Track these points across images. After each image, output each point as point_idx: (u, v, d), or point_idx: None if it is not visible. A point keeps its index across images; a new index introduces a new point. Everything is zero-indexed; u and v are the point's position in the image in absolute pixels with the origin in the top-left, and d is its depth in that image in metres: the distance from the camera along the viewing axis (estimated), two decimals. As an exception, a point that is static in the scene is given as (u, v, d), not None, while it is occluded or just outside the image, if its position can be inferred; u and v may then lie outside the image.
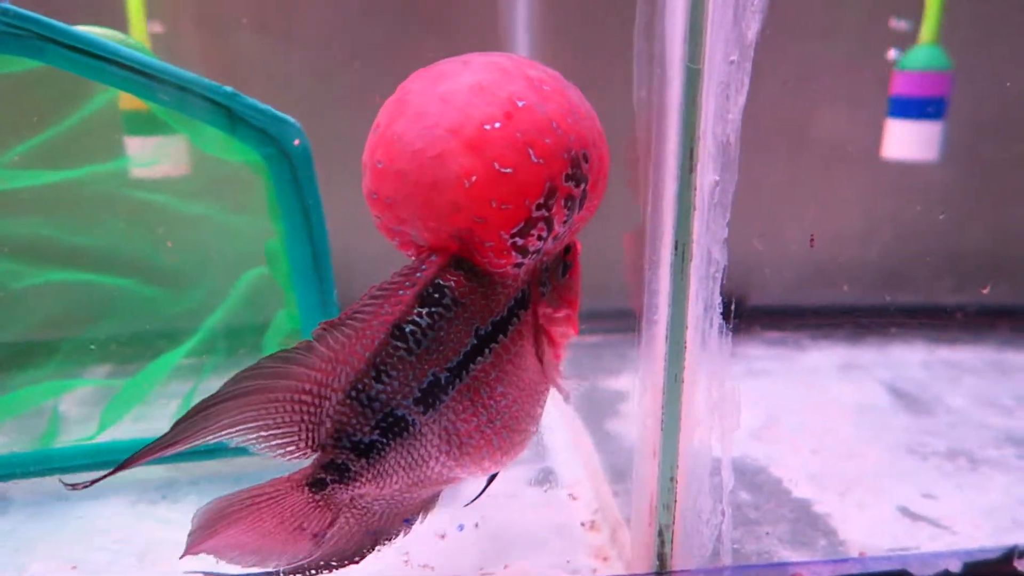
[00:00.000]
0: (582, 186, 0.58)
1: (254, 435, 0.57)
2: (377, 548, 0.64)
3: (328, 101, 1.20)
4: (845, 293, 1.34)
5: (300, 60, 1.24)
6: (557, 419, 1.09)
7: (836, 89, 1.31)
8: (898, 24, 1.24)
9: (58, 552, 0.79)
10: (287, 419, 0.57)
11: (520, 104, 0.55)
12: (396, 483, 0.60)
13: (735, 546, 0.82)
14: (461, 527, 0.81)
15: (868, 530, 0.86)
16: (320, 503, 0.60)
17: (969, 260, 1.38)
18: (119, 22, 1.04)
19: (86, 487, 0.56)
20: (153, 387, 0.97)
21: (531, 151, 0.55)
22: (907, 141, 1.22)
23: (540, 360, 0.64)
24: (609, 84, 0.68)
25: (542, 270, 0.63)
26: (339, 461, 0.58)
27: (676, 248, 0.61)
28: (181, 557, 0.60)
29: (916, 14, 1.22)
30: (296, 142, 0.84)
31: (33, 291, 0.96)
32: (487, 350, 0.60)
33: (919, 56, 1.20)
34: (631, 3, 0.62)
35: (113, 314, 1.02)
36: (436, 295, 0.58)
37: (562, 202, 0.57)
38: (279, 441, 0.57)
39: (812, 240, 0.70)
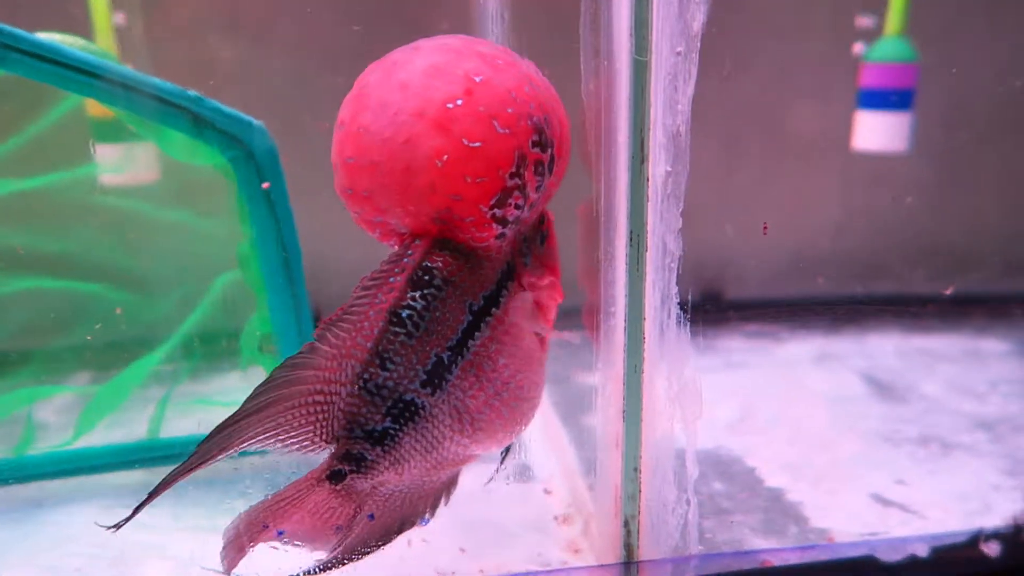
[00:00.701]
0: (548, 151, 0.59)
1: (272, 443, 0.58)
2: (402, 532, 0.64)
3: (303, 105, 1.20)
4: (821, 284, 1.35)
5: (274, 63, 1.24)
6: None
7: (807, 83, 1.32)
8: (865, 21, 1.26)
9: (33, 559, 0.80)
10: (303, 421, 0.58)
11: (478, 79, 0.56)
12: (415, 467, 0.61)
13: (707, 535, 0.82)
14: (426, 521, 0.82)
15: (840, 517, 0.87)
16: (342, 495, 0.60)
17: (942, 249, 1.40)
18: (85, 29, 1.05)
19: (127, 520, 0.59)
20: (129, 393, 0.97)
21: (495, 123, 0.56)
22: (877, 133, 1.23)
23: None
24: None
25: (521, 241, 0.64)
26: (355, 451, 0.59)
27: (631, 239, 0.62)
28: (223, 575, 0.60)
29: (882, 6, 1.23)
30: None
31: (6, 300, 0.96)
32: (483, 324, 0.61)
33: (886, 48, 1.21)
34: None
35: (87, 321, 1.02)
36: (426, 277, 0.59)
37: (532, 168, 0.58)
38: (298, 443, 0.58)
39: (765, 228, 0.71)
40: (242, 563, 0.61)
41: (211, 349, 1.03)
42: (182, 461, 0.91)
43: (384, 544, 0.63)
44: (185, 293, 1.02)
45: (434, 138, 0.55)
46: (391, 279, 0.59)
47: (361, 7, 1.22)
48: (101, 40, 1.05)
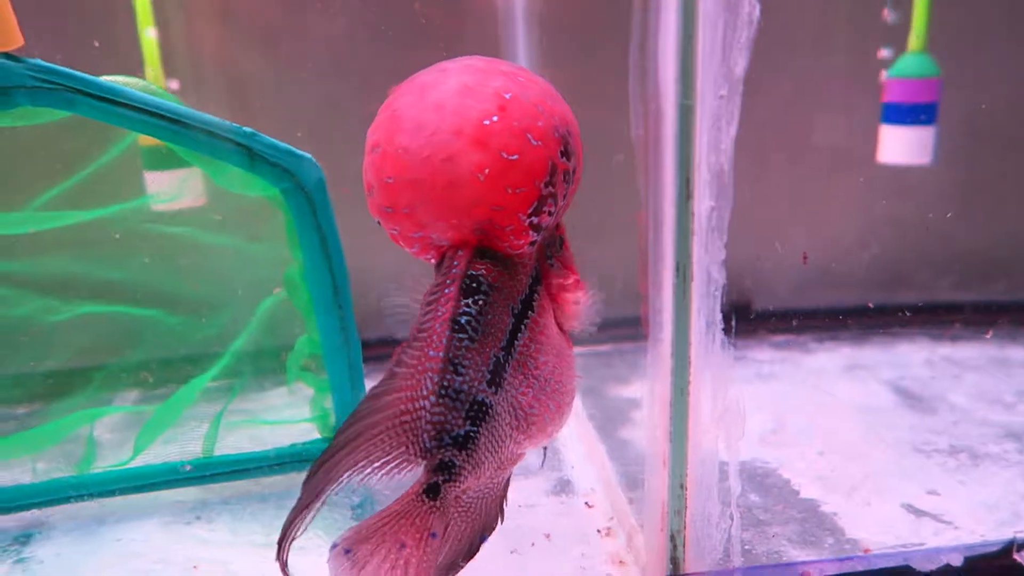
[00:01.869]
0: (572, 160, 0.62)
1: (373, 472, 0.59)
2: (484, 540, 0.67)
3: (336, 126, 1.24)
4: (849, 295, 1.37)
5: (309, 86, 1.28)
6: (572, 429, 1.12)
7: (831, 98, 1.35)
8: (891, 17, 1.28)
9: (101, 574, 0.83)
10: (395, 442, 0.60)
11: (507, 96, 0.59)
12: (487, 469, 0.63)
13: (746, 547, 0.85)
14: (484, 538, 0.85)
15: (874, 528, 0.89)
16: (436, 509, 0.61)
17: (969, 258, 1.41)
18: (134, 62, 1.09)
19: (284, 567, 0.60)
20: (183, 411, 1.01)
21: (529, 136, 0.59)
22: (901, 146, 1.25)
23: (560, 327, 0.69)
24: (608, 99, 0.72)
25: (545, 247, 0.67)
26: (446, 460, 0.60)
27: (677, 270, 0.65)
28: None
29: (903, 23, 1.25)
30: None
31: (66, 324, 1.00)
32: (523, 326, 0.64)
33: (908, 64, 1.24)
34: (627, 22, 0.66)
35: (142, 343, 1.07)
36: (474, 285, 0.62)
37: (561, 176, 0.61)
38: (395, 465, 0.60)
39: (805, 258, 0.74)
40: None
41: (261, 367, 1.07)
42: (234, 477, 0.96)
43: (471, 558, 0.66)
44: (234, 314, 1.06)
45: (474, 154, 0.58)
46: (446, 290, 0.62)
47: (397, 29, 1.26)
48: (150, 73, 1.09)
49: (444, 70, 0.62)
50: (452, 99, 0.59)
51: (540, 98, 0.61)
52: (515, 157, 0.59)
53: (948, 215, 1.24)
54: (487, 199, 0.60)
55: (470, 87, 0.60)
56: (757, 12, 0.59)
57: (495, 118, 0.59)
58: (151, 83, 0.97)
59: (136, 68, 1.09)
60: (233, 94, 1.23)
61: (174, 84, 1.06)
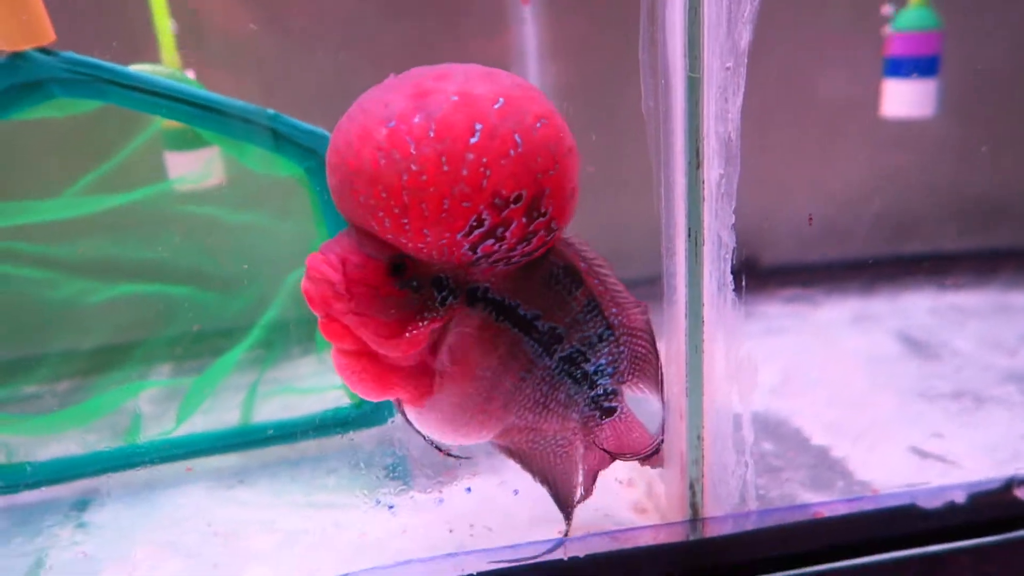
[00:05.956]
0: None
1: None
2: None
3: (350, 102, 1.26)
4: (856, 247, 1.40)
5: (321, 63, 1.29)
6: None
7: (834, 52, 1.36)
8: None
9: (155, 537, 0.88)
10: None
11: (497, 105, 0.58)
12: None
13: (761, 492, 0.89)
14: (517, 491, 0.90)
15: (881, 470, 0.93)
16: None
17: (972, 207, 1.44)
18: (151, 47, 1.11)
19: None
20: (219, 382, 1.06)
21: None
22: (904, 100, 1.27)
23: None
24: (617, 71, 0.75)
25: None
26: None
27: (689, 236, 0.68)
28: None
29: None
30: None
31: (105, 304, 1.05)
32: None
33: (910, 17, 1.25)
34: (635, 14, 0.68)
35: (176, 319, 1.11)
36: None
37: None
38: None
39: (810, 219, 0.77)
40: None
41: (291, 338, 1.12)
42: (272, 443, 1.01)
43: None
44: (262, 289, 1.10)
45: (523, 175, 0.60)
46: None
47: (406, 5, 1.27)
48: (166, 57, 1.12)
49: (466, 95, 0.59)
50: (498, 124, 0.58)
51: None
52: (516, 152, 0.60)
53: (984, 149, 1.25)
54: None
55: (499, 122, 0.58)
56: (760, -14, 0.62)
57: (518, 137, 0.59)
58: (177, 71, 1.01)
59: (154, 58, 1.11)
60: (249, 72, 1.26)
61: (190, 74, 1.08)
